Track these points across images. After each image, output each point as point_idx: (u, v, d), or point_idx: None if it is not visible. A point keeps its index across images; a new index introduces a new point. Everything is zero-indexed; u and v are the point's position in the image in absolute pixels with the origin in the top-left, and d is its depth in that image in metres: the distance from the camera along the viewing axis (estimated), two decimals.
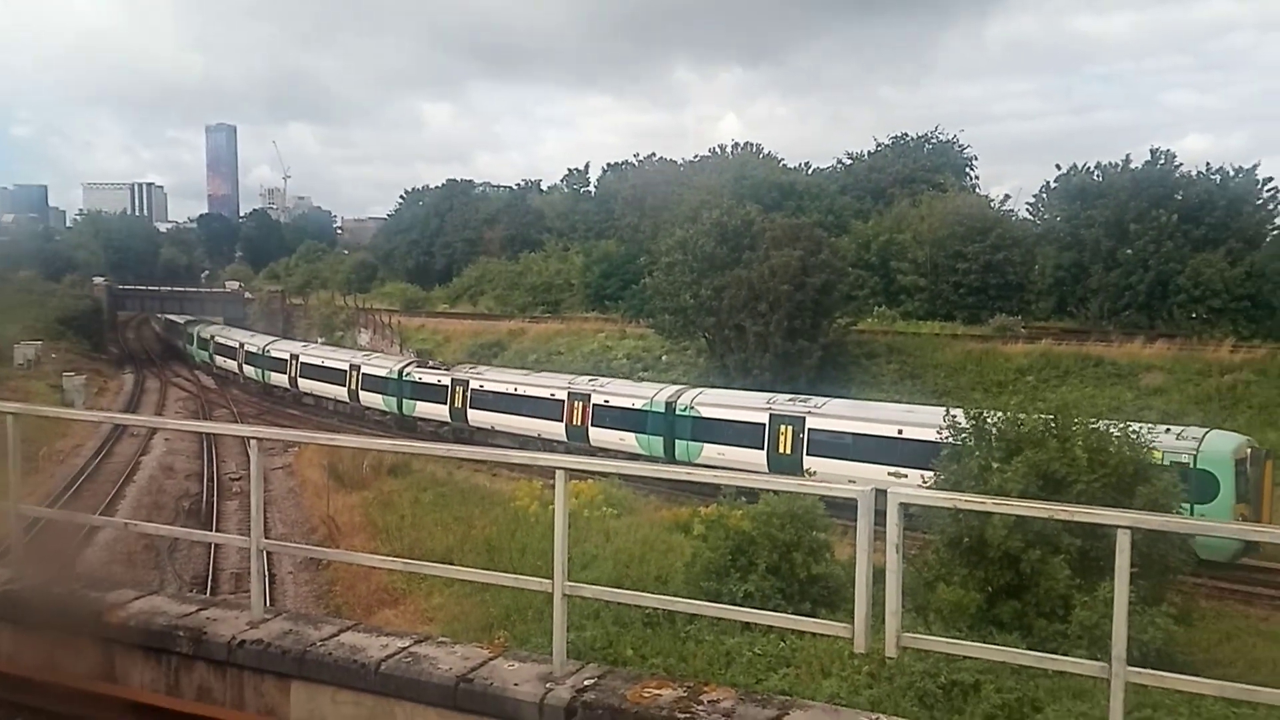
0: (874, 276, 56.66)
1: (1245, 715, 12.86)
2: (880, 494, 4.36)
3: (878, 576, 4.35)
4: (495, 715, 4.83)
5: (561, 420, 41.05)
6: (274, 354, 61.67)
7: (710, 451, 35.77)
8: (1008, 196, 69.51)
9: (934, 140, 74.73)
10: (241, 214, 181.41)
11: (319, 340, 67.66)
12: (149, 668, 5.82)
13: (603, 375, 47.89)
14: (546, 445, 39.41)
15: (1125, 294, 49.31)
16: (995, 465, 19.49)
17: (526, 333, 61.44)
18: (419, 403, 48.19)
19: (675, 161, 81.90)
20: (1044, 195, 59.94)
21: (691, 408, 37.59)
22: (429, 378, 48.27)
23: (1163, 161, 52.35)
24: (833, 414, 34.26)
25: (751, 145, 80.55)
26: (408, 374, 49.46)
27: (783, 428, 34.75)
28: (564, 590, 5.01)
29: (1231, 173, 51.72)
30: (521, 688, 4.85)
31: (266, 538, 6.99)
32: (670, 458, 37.05)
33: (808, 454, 33.52)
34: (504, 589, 18.49)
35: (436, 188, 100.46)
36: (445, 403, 46.50)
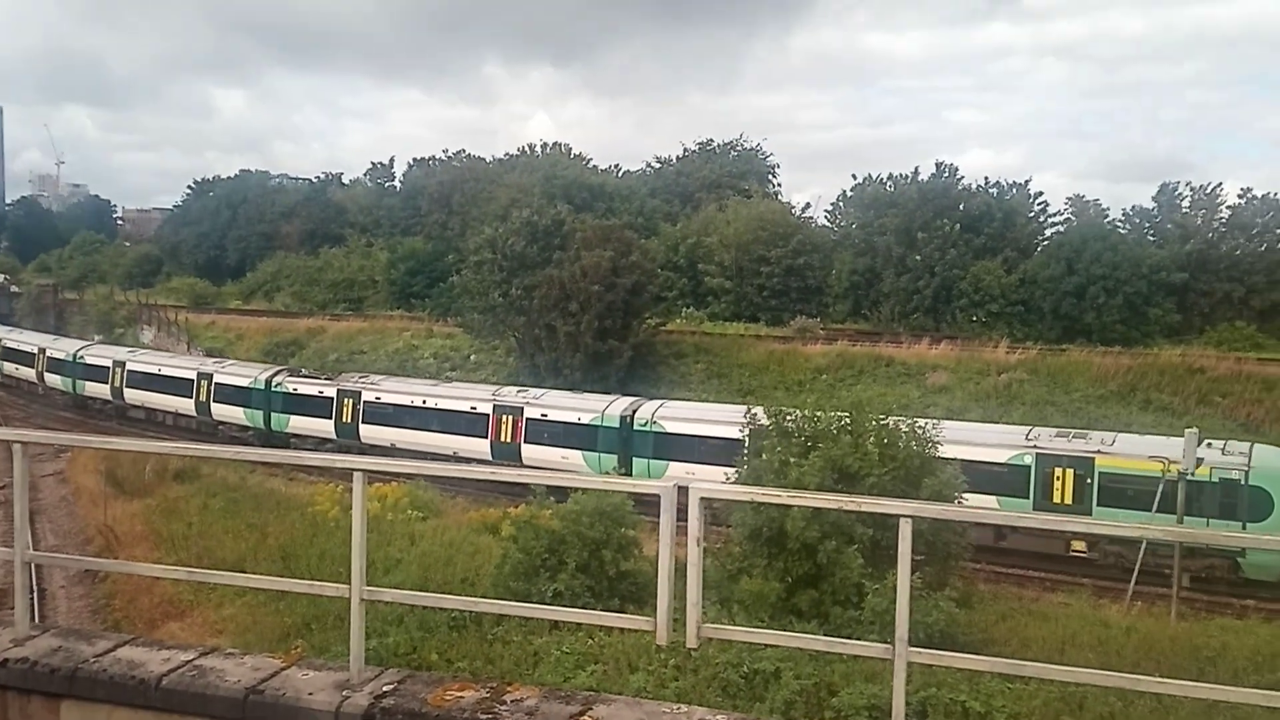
0: (682, 278, 57.93)
1: (1018, 689, 13.89)
2: (683, 489, 4.42)
3: (683, 571, 4.41)
4: None
5: (486, 436, 37.78)
6: (90, 361, 54.14)
7: (678, 470, 32.39)
8: (808, 204, 73.06)
9: (739, 147, 77.06)
10: (7, 201, 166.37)
11: (96, 339, 62.83)
12: None
13: (410, 374, 46.86)
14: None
15: (914, 298, 52.36)
16: (794, 460, 20.26)
17: (327, 331, 59.35)
18: (294, 417, 43.65)
19: (485, 159, 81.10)
20: (841, 203, 63.16)
21: (654, 422, 34.86)
22: (307, 388, 43.69)
23: (947, 174, 56.04)
24: None
25: (561, 145, 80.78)
26: (279, 384, 44.74)
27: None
28: (362, 595, 4.89)
29: (1007, 186, 56.02)
30: (316, 697, 4.67)
31: (34, 549, 6.44)
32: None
33: None
34: (302, 597, 17.80)
35: (229, 178, 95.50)
36: (330, 417, 42.07)
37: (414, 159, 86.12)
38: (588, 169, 73.30)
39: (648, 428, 35.02)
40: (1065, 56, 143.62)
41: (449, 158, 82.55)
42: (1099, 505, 27.08)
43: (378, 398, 41.27)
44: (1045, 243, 54.37)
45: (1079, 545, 26.76)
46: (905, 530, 4.16)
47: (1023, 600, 23.79)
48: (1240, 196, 52.18)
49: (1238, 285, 49.20)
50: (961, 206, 53.73)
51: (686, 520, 4.41)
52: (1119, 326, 47.43)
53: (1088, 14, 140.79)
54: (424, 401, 39.90)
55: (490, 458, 37.32)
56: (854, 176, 62.37)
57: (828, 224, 63.87)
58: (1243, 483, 25.90)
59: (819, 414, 21.44)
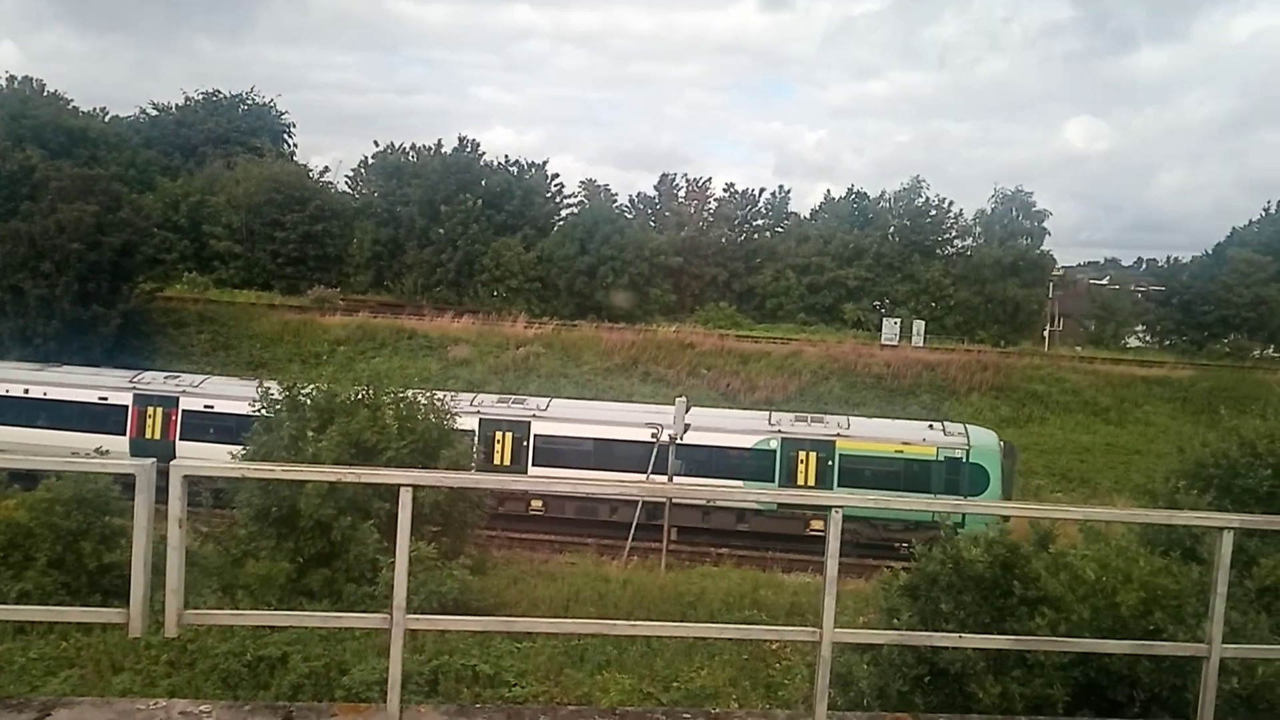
0: (184, 240, 53.54)
1: (526, 648, 14.55)
2: (163, 469, 4.12)
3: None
4: None
5: (124, 433, 31.43)
6: None
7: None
8: (327, 168, 69.99)
9: (250, 101, 72.21)
10: None
11: None
12: None
13: None
14: None
15: (437, 271, 52.99)
16: (311, 434, 19.50)
17: None
18: None
19: None
20: (363, 170, 61.76)
21: None
22: None
23: (469, 150, 57.07)
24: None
25: (34, 80, 69.80)
26: None
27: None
28: None
29: (527, 166, 58.40)
30: None
31: None
32: None
33: None
34: None
35: None
36: None
37: None
38: (67, 110, 64.11)
39: None
40: (583, 45, 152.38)
41: None
42: (840, 486, 28.14)
43: None
44: (561, 223, 57.62)
45: (817, 525, 27.57)
46: (405, 499, 4.17)
47: (534, 563, 25.02)
48: (725, 191, 59.60)
49: (722, 270, 56.05)
50: (484, 183, 55.17)
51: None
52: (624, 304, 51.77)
53: (602, 7, 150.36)
54: (26, 390, 32.68)
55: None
56: (376, 144, 61.51)
57: (349, 191, 62.19)
58: (964, 460, 28.29)
59: (335, 387, 20.83)
